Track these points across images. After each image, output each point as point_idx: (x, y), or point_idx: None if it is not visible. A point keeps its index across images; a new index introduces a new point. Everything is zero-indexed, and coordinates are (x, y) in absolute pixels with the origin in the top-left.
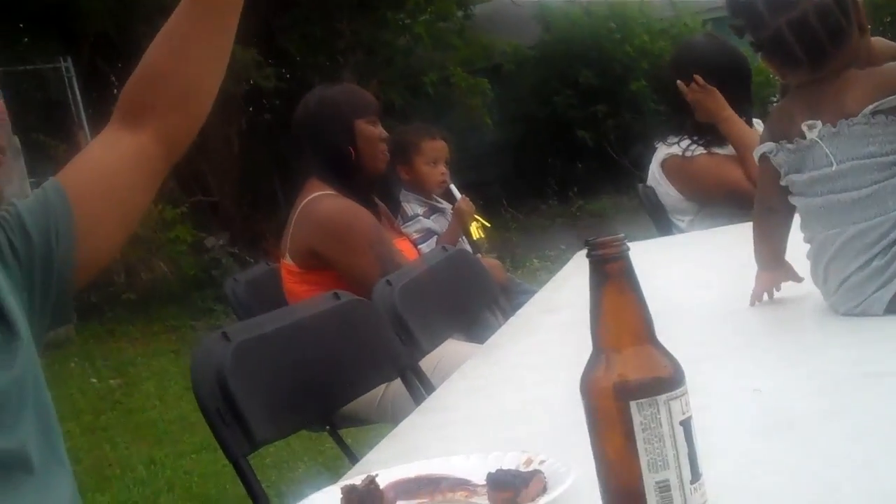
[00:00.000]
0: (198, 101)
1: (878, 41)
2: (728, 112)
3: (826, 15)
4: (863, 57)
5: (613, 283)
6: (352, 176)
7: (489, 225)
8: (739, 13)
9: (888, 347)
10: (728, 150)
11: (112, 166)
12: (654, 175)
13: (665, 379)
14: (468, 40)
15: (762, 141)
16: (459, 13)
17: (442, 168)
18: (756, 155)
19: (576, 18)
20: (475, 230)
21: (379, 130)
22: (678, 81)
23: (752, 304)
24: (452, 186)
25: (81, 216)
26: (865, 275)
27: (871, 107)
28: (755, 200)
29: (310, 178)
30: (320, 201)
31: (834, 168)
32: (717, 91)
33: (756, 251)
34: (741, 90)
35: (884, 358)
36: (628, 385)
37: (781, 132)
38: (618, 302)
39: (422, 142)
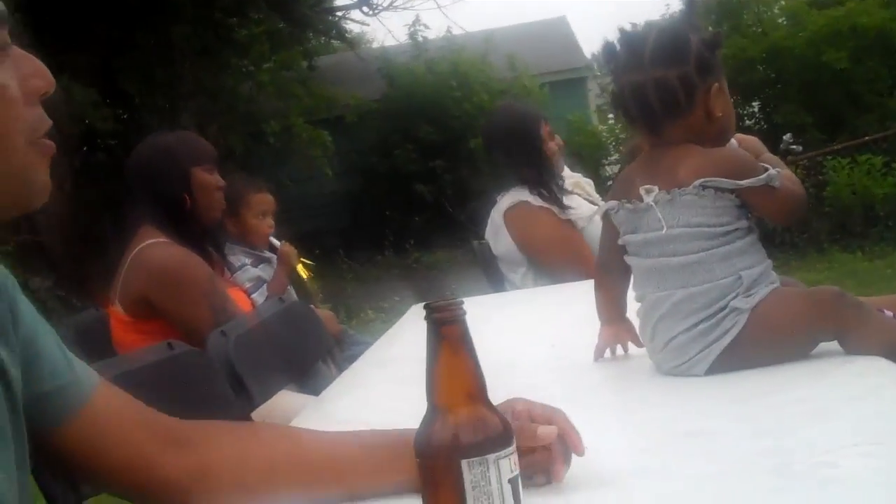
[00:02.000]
0: None
1: (754, 141)
2: None
3: (664, 89)
4: (710, 137)
5: (449, 345)
6: (187, 224)
7: (313, 264)
8: (608, 62)
9: (706, 407)
10: (567, 214)
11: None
12: (495, 223)
13: (495, 438)
14: (311, 91)
15: (607, 199)
16: (304, 64)
17: (270, 221)
18: (600, 212)
19: (419, 75)
20: (302, 270)
21: (216, 178)
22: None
23: (596, 359)
24: (272, 238)
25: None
26: (691, 336)
27: (700, 181)
28: (598, 255)
29: (143, 225)
30: (153, 249)
31: (664, 232)
32: None
33: (598, 306)
34: (522, 155)
35: (702, 417)
36: (460, 444)
37: (623, 193)
38: (453, 364)
39: (249, 195)
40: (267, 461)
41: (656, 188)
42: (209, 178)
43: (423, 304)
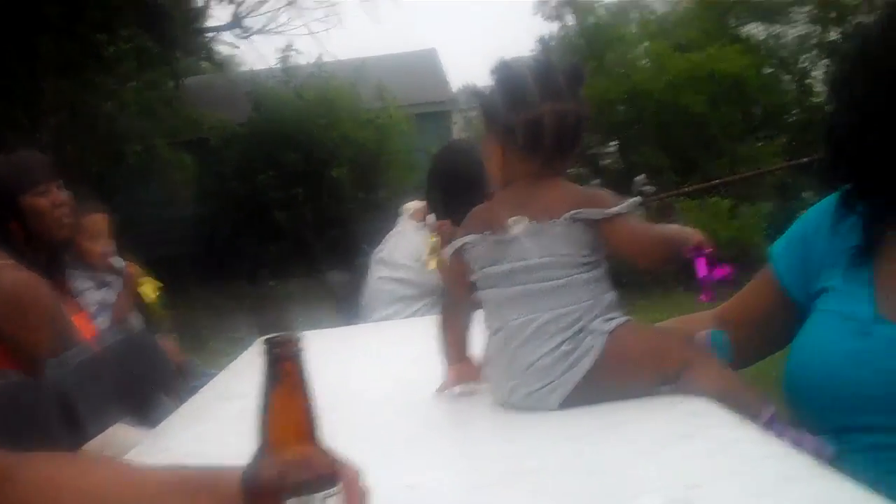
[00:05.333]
0: None
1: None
2: None
3: (583, 120)
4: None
5: (282, 382)
6: (25, 250)
7: (161, 285)
8: (504, 86)
9: (543, 445)
10: None
11: None
12: (419, 253)
13: (322, 478)
14: (176, 111)
15: (459, 236)
16: (171, 83)
17: (105, 241)
18: (452, 248)
19: (286, 100)
20: (150, 291)
21: (52, 198)
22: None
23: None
24: (114, 259)
25: None
26: (554, 358)
27: (571, 213)
28: (445, 297)
29: None
30: None
31: (535, 261)
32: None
33: (444, 347)
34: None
35: (539, 455)
36: (286, 482)
37: (485, 226)
38: (284, 401)
39: (81, 217)
40: (77, 490)
41: (525, 219)
42: (42, 203)
43: (262, 338)
